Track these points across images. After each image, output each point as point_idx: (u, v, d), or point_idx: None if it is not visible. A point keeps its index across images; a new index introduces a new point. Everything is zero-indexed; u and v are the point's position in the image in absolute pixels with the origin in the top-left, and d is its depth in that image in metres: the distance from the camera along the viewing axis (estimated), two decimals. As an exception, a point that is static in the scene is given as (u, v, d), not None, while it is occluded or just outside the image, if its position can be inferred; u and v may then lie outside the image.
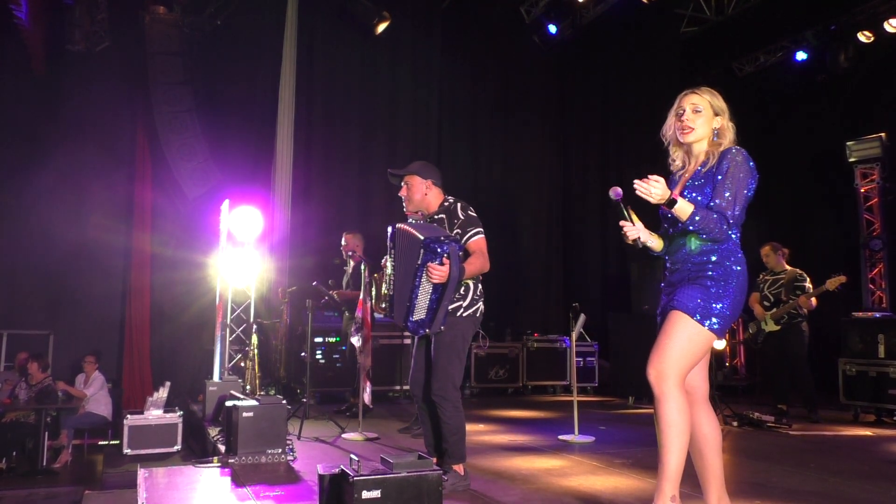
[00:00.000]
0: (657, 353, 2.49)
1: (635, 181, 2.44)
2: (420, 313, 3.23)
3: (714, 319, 2.46)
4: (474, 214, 3.50)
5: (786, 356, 6.19)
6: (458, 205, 3.50)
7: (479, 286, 3.51)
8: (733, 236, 2.54)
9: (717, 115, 2.61)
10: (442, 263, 3.12)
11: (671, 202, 2.43)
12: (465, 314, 3.40)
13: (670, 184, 2.71)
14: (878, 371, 6.18)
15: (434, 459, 2.93)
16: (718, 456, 2.59)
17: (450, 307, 3.35)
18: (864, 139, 8.55)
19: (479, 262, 3.36)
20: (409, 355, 3.63)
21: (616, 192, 2.53)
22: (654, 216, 2.75)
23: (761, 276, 6.42)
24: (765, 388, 6.52)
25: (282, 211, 8.44)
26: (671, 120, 2.68)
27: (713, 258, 2.52)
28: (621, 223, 2.61)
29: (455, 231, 3.41)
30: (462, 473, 3.41)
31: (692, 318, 2.46)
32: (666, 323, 2.53)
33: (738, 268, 2.52)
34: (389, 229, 3.43)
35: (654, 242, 2.70)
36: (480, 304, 3.49)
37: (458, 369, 3.39)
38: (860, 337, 6.46)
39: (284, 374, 7.62)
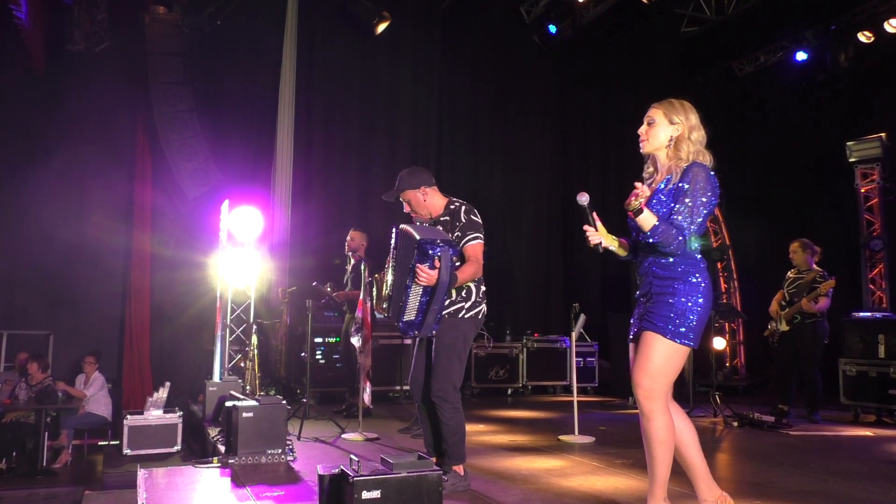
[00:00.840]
0: (641, 373, 2.57)
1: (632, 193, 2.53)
2: (410, 314, 3.22)
3: (684, 332, 2.54)
4: (477, 220, 3.48)
5: (797, 357, 6.19)
6: (463, 208, 3.50)
7: (482, 287, 3.51)
8: (695, 245, 2.60)
9: (672, 124, 2.64)
10: (433, 266, 3.10)
11: (638, 211, 2.50)
12: (466, 315, 3.40)
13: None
14: (879, 371, 6.18)
15: (434, 459, 2.93)
16: (697, 448, 2.64)
17: (452, 308, 3.36)
18: (864, 139, 8.55)
19: (471, 269, 3.35)
20: (409, 355, 3.63)
21: (583, 197, 2.63)
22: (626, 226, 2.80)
23: (787, 275, 6.39)
24: (774, 388, 6.52)
25: (282, 211, 8.44)
26: None
27: (678, 271, 2.59)
28: (585, 227, 2.70)
29: (455, 234, 3.41)
30: (462, 474, 3.41)
31: (665, 337, 2.55)
32: (642, 344, 2.61)
33: (700, 277, 2.59)
34: (394, 230, 3.44)
35: (617, 248, 2.80)
36: (483, 306, 3.49)
37: (459, 370, 3.38)
38: (860, 337, 6.46)
39: (284, 375, 7.62)
